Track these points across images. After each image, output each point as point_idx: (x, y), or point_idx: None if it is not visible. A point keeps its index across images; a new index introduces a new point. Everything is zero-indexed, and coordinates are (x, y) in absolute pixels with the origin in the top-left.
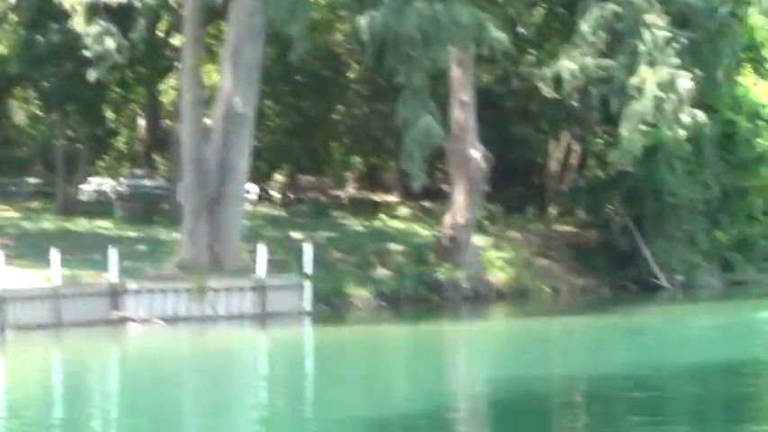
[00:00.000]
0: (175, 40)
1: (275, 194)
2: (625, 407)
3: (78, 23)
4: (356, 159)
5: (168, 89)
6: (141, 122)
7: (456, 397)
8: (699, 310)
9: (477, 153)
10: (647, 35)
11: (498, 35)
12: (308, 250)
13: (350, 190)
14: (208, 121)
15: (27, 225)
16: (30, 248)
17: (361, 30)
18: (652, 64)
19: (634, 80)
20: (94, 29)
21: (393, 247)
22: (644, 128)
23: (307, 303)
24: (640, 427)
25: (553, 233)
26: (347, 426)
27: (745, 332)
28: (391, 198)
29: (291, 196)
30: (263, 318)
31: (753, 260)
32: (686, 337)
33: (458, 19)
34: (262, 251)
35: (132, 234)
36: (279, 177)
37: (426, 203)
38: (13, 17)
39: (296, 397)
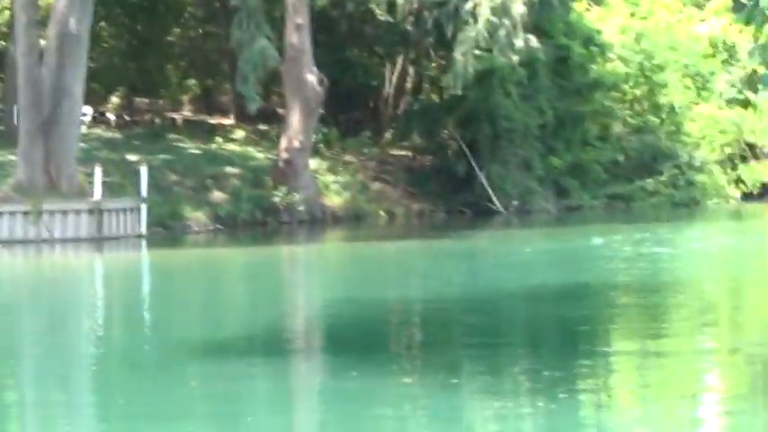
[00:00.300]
0: None
1: (111, 117)
2: (460, 329)
3: None
4: (192, 82)
5: (3, 9)
6: None
7: (293, 319)
8: (533, 234)
9: (312, 77)
10: None
11: None
12: (143, 173)
13: (185, 113)
14: (43, 42)
15: None
16: None
17: None
18: None
19: (468, 5)
20: None
21: (229, 170)
22: (477, 52)
23: (143, 226)
24: (474, 349)
25: (389, 157)
26: (184, 347)
27: (578, 257)
28: (227, 121)
29: (127, 119)
30: (99, 241)
31: (587, 186)
32: (521, 261)
33: None
34: (98, 174)
35: None
36: (114, 100)
37: (262, 127)
38: None
39: (133, 319)
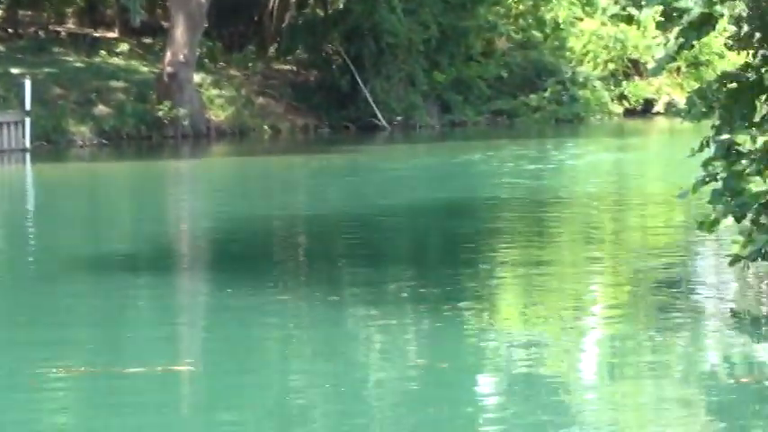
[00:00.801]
0: None
1: None
2: (343, 244)
3: None
4: None
5: None
6: None
7: (176, 234)
8: (417, 150)
9: None
10: None
11: None
12: (27, 86)
13: (70, 25)
14: None
15: None
16: None
17: None
18: None
19: None
20: None
21: (114, 84)
22: None
23: (27, 140)
24: (358, 265)
25: (273, 72)
26: (66, 261)
27: (461, 172)
28: (111, 34)
29: (10, 31)
30: None
31: (471, 101)
32: (404, 176)
33: None
34: None
35: None
36: None
37: (147, 40)
38: None
39: (16, 233)
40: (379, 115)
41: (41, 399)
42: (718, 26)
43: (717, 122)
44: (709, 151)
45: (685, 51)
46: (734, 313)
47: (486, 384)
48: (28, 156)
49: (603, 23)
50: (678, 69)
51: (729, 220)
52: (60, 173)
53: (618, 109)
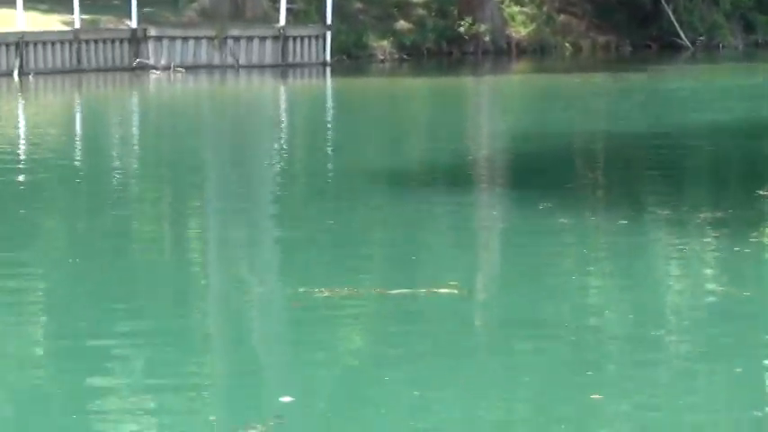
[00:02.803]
0: None
1: None
2: (645, 162)
3: None
4: None
5: None
6: None
7: (476, 149)
8: (720, 69)
9: None
10: None
11: None
12: (329, 0)
13: None
14: None
15: None
16: None
17: None
18: None
19: None
20: None
21: None
22: None
23: (327, 54)
24: (657, 182)
25: None
26: (365, 174)
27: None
28: None
29: None
30: (283, 68)
31: None
32: (708, 97)
33: None
34: (283, 0)
35: None
36: None
37: None
38: None
39: (315, 147)
40: (682, 34)
41: (296, 319)
42: None
43: None
44: None
45: None
46: None
47: None
48: (328, 69)
49: None
50: None
51: None
52: (360, 87)
53: None
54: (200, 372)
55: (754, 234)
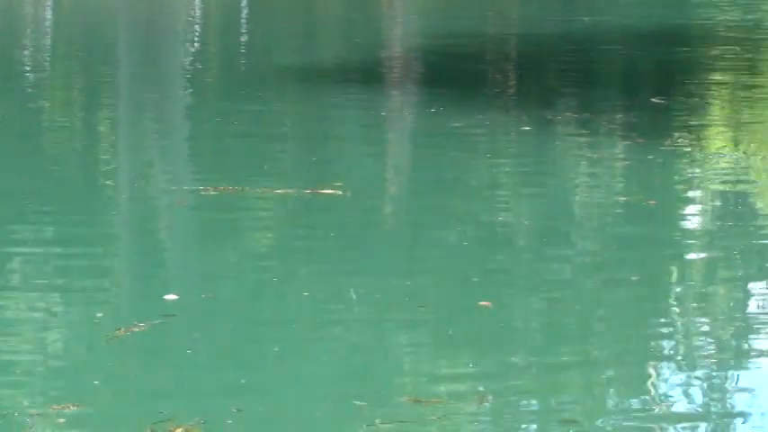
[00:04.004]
0: None
1: None
2: (553, 67)
3: None
4: None
5: None
6: None
7: (394, 49)
8: None
9: None
10: None
11: None
12: None
13: None
14: None
15: None
16: None
17: None
18: None
19: None
20: None
21: None
22: None
23: None
24: (568, 92)
25: None
26: (283, 72)
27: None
28: None
29: None
30: None
31: None
32: (623, 2)
33: None
34: None
35: None
36: None
37: None
38: None
39: (228, 46)
40: None
41: (176, 214)
42: None
43: None
44: None
45: None
46: None
47: (693, 220)
48: None
49: None
50: None
51: None
52: None
53: None
54: (84, 271)
55: (667, 142)
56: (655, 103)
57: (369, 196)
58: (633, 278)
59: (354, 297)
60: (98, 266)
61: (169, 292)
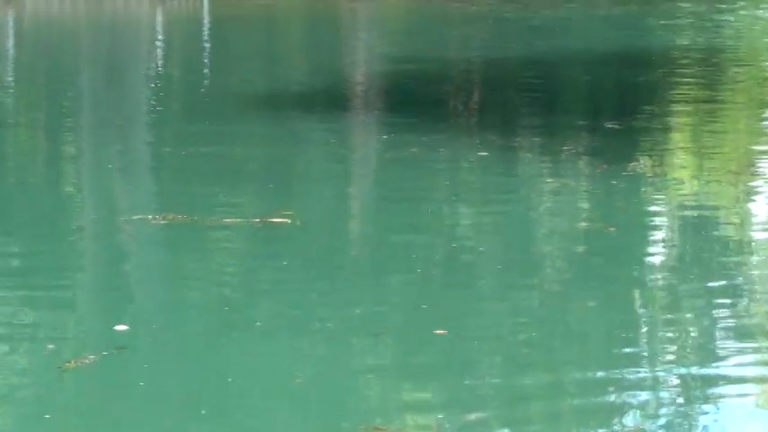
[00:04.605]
0: None
1: None
2: (523, 93)
3: None
4: None
5: None
6: None
7: (355, 73)
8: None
9: None
10: None
11: None
12: None
13: None
14: None
15: None
16: None
17: None
18: None
19: None
20: None
21: None
22: None
23: None
24: (531, 116)
25: None
26: (241, 98)
27: (630, 23)
28: None
29: None
30: None
31: None
32: (588, 24)
33: None
34: None
35: None
36: None
37: None
38: None
39: (190, 69)
40: None
41: (124, 244)
42: None
43: None
44: None
45: None
46: None
47: (655, 251)
48: None
49: None
50: None
51: None
52: (237, 11)
53: None
54: (34, 302)
55: (630, 166)
56: (609, 128)
57: (319, 225)
58: (590, 304)
59: (310, 327)
60: (47, 297)
61: (120, 323)
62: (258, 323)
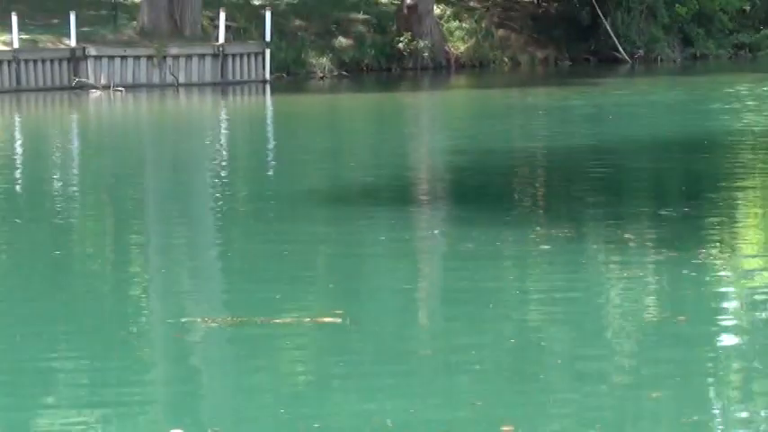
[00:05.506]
0: None
1: None
2: (587, 182)
3: None
4: None
5: None
6: None
7: (418, 167)
8: (659, 83)
9: None
10: None
11: None
12: (268, 17)
13: None
14: None
15: None
16: None
17: None
18: None
19: None
20: None
21: (354, 16)
22: None
23: (267, 72)
24: (599, 204)
25: (514, 4)
26: (306, 194)
27: (703, 107)
28: None
29: None
30: (223, 86)
31: (712, 34)
32: (647, 111)
33: None
34: (222, 18)
35: None
36: None
37: None
38: None
39: (254, 167)
40: (620, 48)
41: (175, 348)
42: None
43: None
44: None
45: None
46: None
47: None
48: (268, 87)
49: None
50: None
51: None
52: (300, 104)
53: None
54: (84, 406)
55: (701, 253)
56: (675, 215)
57: (372, 323)
58: (659, 395)
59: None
60: (98, 397)
61: (175, 426)
62: (316, 425)
